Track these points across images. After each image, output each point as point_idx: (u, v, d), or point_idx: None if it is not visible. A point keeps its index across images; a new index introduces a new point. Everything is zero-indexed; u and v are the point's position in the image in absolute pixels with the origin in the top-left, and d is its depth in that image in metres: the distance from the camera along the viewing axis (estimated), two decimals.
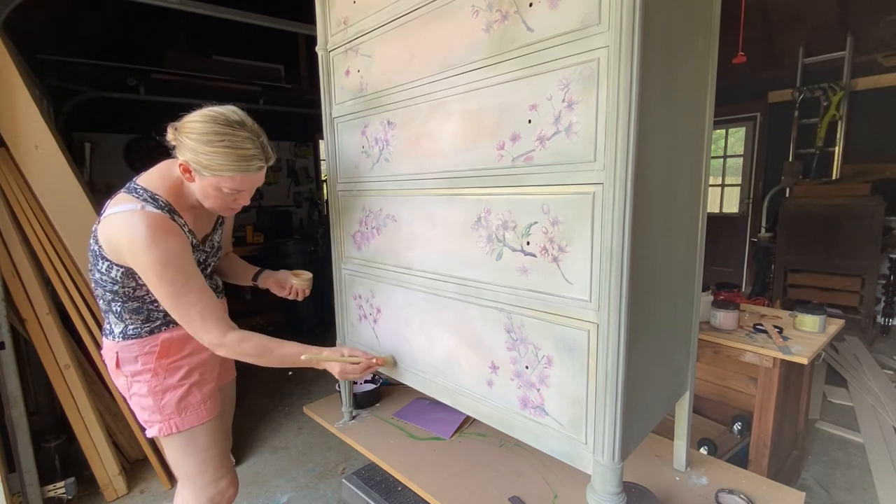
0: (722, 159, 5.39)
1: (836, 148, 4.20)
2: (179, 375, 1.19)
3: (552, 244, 0.94)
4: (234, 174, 1.06)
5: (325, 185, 5.91)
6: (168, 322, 1.18)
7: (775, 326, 1.82)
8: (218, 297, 1.32)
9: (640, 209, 0.85)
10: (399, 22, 1.20)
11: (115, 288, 1.12)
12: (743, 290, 4.75)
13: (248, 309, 4.41)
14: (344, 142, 1.46)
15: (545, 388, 1.00)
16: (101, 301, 1.17)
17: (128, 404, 1.25)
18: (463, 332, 1.16)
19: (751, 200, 5.00)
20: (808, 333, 1.78)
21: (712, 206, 5.26)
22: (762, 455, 1.73)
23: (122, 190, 1.12)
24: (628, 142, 0.80)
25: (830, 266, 3.83)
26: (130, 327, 1.16)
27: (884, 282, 3.79)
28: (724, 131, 5.26)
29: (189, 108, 1.08)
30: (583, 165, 0.87)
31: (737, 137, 5.22)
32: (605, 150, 0.83)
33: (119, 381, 1.20)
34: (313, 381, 3.27)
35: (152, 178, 1.13)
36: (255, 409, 2.93)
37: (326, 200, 4.91)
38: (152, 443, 2.17)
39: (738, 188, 5.19)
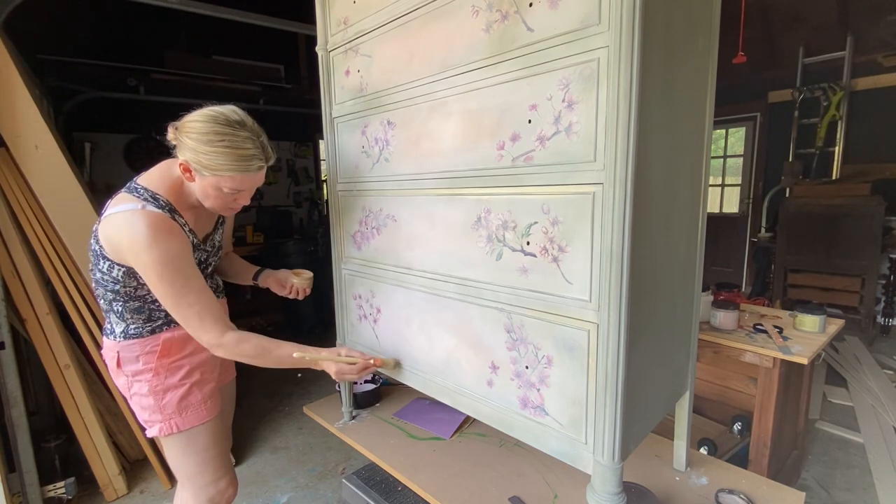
0: (722, 159, 5.39)
1: (836, 148, 4.20)
2: (180, 375, 1.19)
3: (552, 244, 0.94)
4: (235, 174, 1.07)
5: (325, 185, 5.91)
6: (169, 321, 1.19)
7: (775, 326, 1.82)
8: (218, 296, 1.33)
9: (640, 209, 0.85)
10: (399, 22, 1.20)
11: (117, 287, 1.12)
12: (743, 290, 4.75)
13: (248, 309, 4.41)
14: (344, 142, 1.46)
15: (545, 388, 1.00)
16: (102, 301, 1.17)
17: (128, 404, 1.25)
18: (463, 332, 1.16)
19: (751, 200, 5.01)
20: (808, 333, 1.78)
21: (712, 206, 5.26)
22: (762, 455, 1.73)
23: (123, 190, 1.12)
24: (628, 142, 0.80)
25: (830, 266, 3.83)
26: (132, 327, 1.16)
27: (884, 282, 3.79)
28: (724, 131, 5.26)
29: (189, 108, 1.08)
30: (583, 165, 0.87)
31: (737, 137, 5.22)
32: (605, 150, 0.83)
33: (119, 380, 1.20)
34: (313, 381, 3.27)
35: (153, 177, 1.13)
36: (255, 409, 2.93)
37: (326, 200, 4.91)
38: (152, 443, 2.17)
39: (738, 188, 5.19)
